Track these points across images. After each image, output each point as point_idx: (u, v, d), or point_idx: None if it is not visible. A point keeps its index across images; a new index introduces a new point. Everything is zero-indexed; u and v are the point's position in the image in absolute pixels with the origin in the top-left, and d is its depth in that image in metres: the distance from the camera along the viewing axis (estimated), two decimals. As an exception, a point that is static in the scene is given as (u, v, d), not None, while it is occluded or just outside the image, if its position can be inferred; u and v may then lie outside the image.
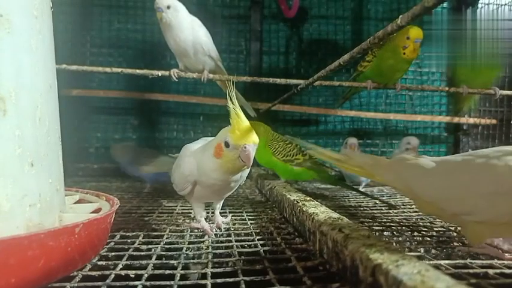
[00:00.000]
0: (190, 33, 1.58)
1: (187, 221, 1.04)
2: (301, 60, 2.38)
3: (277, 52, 2.38)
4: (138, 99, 2.21)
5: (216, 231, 0.93)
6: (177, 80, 1.67)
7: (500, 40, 1.60)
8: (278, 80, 1.70)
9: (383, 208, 1.26)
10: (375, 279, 0.48)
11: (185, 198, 0.94)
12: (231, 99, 0.76)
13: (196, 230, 0.94)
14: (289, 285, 0.59)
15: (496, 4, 2.16)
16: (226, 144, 0.76)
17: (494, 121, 2.22)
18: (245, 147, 0.74)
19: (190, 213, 1.14)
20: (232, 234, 0.90)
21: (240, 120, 0.76)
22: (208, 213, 1.00)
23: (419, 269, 0.44)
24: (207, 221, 0.94)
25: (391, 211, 1.20)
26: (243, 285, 0.59)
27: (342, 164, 0.96)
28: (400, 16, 0.68)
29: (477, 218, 0.73)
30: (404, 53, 1.57)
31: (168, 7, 1.53)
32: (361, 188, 1.68)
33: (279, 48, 2.38)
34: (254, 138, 0.76)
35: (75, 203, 0.86)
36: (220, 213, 0.99)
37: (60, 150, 0.74)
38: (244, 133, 0.75)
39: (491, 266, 0.68)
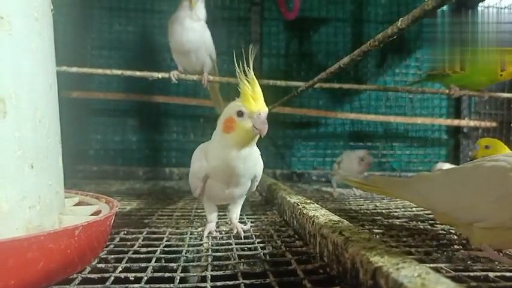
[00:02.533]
0: (199, 36, 1.61)
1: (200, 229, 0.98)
2: (301, 62, 2.38)
3: (277, 54, 2.38)
4: (138, 101, 2.21)
5: (235, 232, 0.91)
6: (176, 82, 1.68)
7: (501, 43, 1.63)
8: (278, 82, 1.71)
9: (383, 211, 1.26)
10: (376, 282, 0.48)
11: (199, 201, 0.95)
12: (247, 68, 0.76)
13: (196, 233, 0.93)
14: (289, 288, 0.59)
15: (496, 7, 2.17)
16: (240, 114, 0.77)
17: (494, 124, 2.22)
18: (260, 114, 0.75)
19: (190, 215, 1.13)
20: (232, 237, 0.90)
21: (255, 86, 0.76)
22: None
23: (420, 272, 0.44)
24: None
25: (391, 214, 1.20)
26: (243, 288, 0.59)
27: (365, 187, 1.02)
28: (401, 19, 0.68)
29: (486, 224, 0.72)
30: (501, 75, 1.73)
31: (202, 1, 1.58)
32: (355, 191, 1.69)
33: (279, 51, 2.38)
34: (266, 106, 0.77)
35: (74, 205, 0.86)
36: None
37: (60, 152, 0.74)
38: (259, 100, 0.76)
39: (491, 269, 0.67)
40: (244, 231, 0.91)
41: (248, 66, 0.75)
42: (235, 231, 0.92)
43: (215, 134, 0.86)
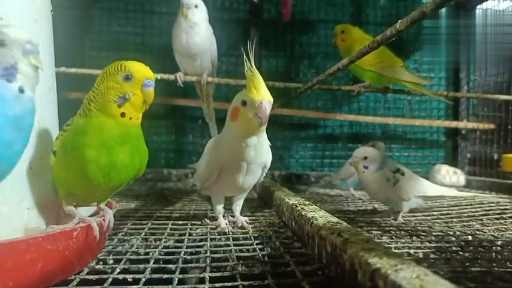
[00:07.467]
0: (205, 39, 1.61)
1: (206, 220, 1.03)
2: (299, 64, 2.39)
3: (276, 56, 2.38)
4: (136, 102, 2.21)
5: (233, 228, 0.96)
6: (182, 85, 1.68)
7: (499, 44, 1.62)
8: (277, 84, 1.71)
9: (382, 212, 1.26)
10: (374, 283, 0.48)
11: (207, 193, 0.99)
12: (249, 62, 0.81)
13: (194, 234, 0.93)
14: (288, 289, 0.59)
15: (494, 10, 2.17)
16: (244, 103, 0.81)
17: (492, 126, 2.22)
18: (261, 103, 0.77)
19: (188, 216, 1.13)
20: (231, 238, 0.90)
21: (256, 78, 0.80)
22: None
23: (418, 274, 0.44)
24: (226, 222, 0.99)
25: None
26: (242, 290, 0.59)
27: None
28: (399, 21, 0.68)
29: None
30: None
31: (196, 6, 1.55)
32: (352, 191, 1.70)
33: (278, 52, 2.38)
34: (270, 96, 0.79)
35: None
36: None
37: (59, 153, 0.74)
38: (260, 90, 0.79)
39: (489, 271, 0.67)
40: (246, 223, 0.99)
41: (249, 60, 0.80)
42: (239, 224, 0.97)
43: (225, 125, 0.90)
